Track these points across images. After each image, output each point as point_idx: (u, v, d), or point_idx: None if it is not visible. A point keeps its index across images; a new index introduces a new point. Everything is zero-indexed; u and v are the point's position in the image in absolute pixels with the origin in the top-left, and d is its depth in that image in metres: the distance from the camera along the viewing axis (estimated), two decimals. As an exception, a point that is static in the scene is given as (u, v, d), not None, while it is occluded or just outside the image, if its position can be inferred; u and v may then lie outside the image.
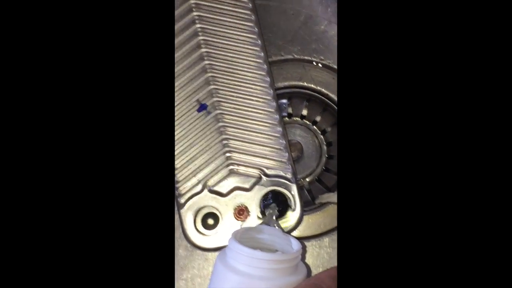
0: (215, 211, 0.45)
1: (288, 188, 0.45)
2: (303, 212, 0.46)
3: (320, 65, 0.50)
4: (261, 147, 0.45)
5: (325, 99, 0.51)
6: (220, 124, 0.45)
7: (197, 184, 0.45)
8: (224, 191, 0.45)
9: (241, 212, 0.44)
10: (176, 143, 0.45)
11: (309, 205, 0.49)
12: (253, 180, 0.45)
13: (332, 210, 0.48)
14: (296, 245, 0.39)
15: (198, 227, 0.45)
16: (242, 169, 0.45)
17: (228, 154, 0.45)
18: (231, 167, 0.45)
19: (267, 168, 0.45)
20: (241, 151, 0.45)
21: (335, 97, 0.50)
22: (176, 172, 0.45)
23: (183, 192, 0.45)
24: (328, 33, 0.51)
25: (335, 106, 0.51)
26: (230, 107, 0.45)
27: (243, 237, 0.39)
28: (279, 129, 0.45)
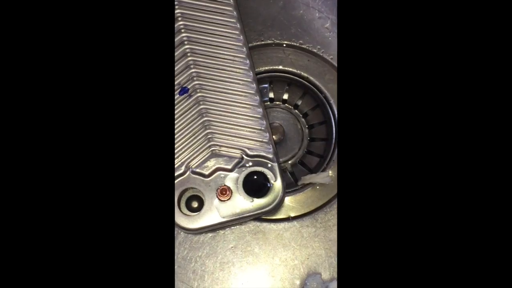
0: (198, 192, 0.45)
1: (269, 168, 0.46)
2: (285, 193, 0.47)
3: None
4: (242, 128, 0.46)
5: (306, 82, 0.52)
6: (202, 106, 0.46)
7: (180, 166, 0.45)
8: (206, 172, 0.45)
9: (224, 191, 0.45)
10: (158, 126, 0.46)
11: (292, 186, 0.50)
12: (235, 160, 0.46)
13: (314, 191, 0.49)
14: None
15: (182, 209, 0.45)
16: (224, 150, 0.46)
17: (210, 136, 0.46)
18: (213, 148, 0.46)
19: (249, 148, 0.46)
20: (222, 133, 0.46)
21: (315, 80, 0.51)
22: (159, 155, 0.45)
23: (166, 174, 0.45)
24: (306, 18, 0.52)
25: (315, 89, 0.51)
26: (211, 90, 0.46)
27: None
28: (260, 110, 0.46)
